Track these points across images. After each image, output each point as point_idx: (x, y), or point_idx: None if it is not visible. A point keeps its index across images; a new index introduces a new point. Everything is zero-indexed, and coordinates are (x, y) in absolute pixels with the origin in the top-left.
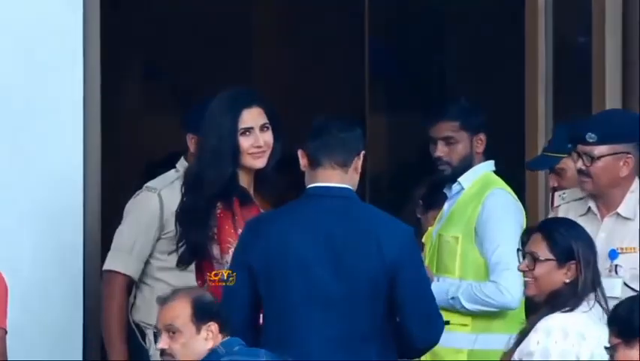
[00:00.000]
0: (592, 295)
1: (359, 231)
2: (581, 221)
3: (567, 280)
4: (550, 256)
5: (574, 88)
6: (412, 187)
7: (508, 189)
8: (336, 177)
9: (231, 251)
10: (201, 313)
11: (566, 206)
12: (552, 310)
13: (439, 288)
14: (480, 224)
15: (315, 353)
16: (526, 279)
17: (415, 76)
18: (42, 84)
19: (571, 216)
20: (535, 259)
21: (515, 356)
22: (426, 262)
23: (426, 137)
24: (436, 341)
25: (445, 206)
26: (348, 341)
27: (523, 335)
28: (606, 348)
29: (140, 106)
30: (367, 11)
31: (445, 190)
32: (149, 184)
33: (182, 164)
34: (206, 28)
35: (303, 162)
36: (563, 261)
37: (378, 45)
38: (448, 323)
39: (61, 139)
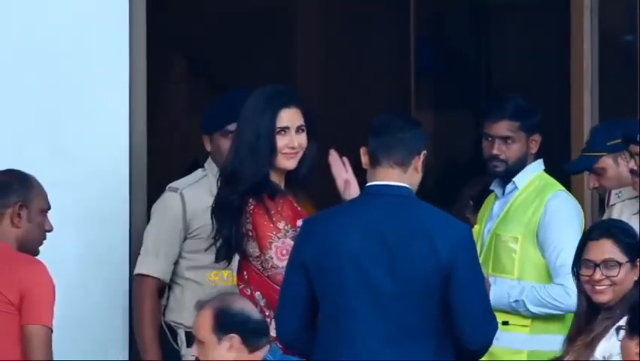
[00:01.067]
0: None
1: (414, 229)
2: (635, 219)
3: (636, 278)
4: (626, 259)
5: (620, 86)
6: (459, 185)
7: (567, 191)
8: (395, 176)
9: (274, 245)
10: (223, 324)
11: (621, 204)
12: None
13: (499, 290)
14: (542, 227)
15: (365, 351)
16: (601, 287)
17: (461, 73)
18: (88, 85)
19: (625, 214)
20: (618, 265)
21: (598, 355)
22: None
23: (473, 134)
24: (489, 342)
25: (496, 205)
26: (401, 339)
27: (598, 335)
28: (618, 327)
29: (186, 105)
30: (413, 7)
31: (494, 189)
32: (172, 184)
33: (209, 163)
34: (251, 26)
35: (364, 160)
36: (634, 261)
37: (424, 41)
38: (507, 323)
39: (107, 139)
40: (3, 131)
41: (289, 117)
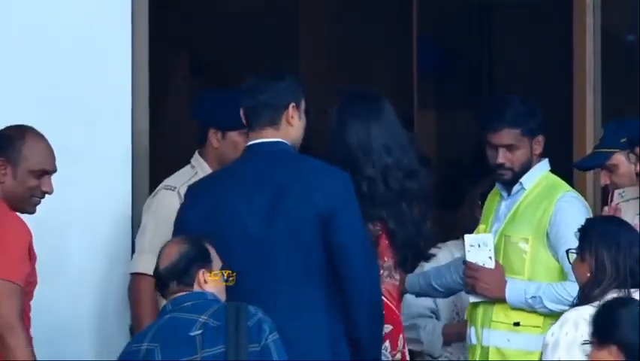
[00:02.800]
0: (613, 292)
1: (292, 181)
2: (638, 219)
3: (588, 274)
4: (578, 251)
5: (622, 86)
6: (461, 185)
7: (576, 191)
8: (268, 134)
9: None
10: None
11: (625, 204)
12: (579, 303)
13: (514, 287)
14: (553, 227)
15: (255, 300)
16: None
17: (463, 73)
18: (90, 84)
19: (629, 214)
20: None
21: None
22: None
23: (475, 134)
24: (371, 288)
25: (503, 206)
26: (287, 291)
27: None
28: (584, 342)
29: (189, 105)
30: (416, 7)
31: (500, 190)
32: (167, 182)
33: (196, 159)
34: (252, 26)
35: (245, 122)
36: (583, 256)
37: (427, 41)
38: (518, 324)
39: (110, 138)
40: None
41: None
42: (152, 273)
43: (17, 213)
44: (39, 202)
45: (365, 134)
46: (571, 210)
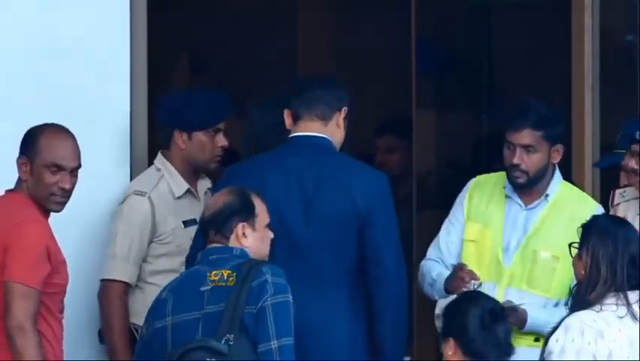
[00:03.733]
0: (611, 295)
1: (331, 177)
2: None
3: (583, 272)
4: (577, 247)
5: (621, 86)
6: (460, 185)
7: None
8: (316, 128)
9: None
10: None
11: (626, 204)
12: (572, 307)
13: (538, 321)
14: None
15: None
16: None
17: (462, 72)
18: (89, 85)
19: (630, 215)
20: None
21: (544, 354)
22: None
23: (475, 134)
24: (401, 290)
25: (523, 216)
26: (317, 286)
27: (551, 333)
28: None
29: None
30: (414, 6)
31: (510, 195)
32: (136, 187)
33: (161, 161)
34: (252, 25)
35: (288, 121)
36: (580, 253)
37: (426, 41)
38: (538, 340)
39: (108, 138)
40: (3, 130)
41: None
42: (123, 279)
43: (40, 215)
44: (62, 200)
45: None
46: None
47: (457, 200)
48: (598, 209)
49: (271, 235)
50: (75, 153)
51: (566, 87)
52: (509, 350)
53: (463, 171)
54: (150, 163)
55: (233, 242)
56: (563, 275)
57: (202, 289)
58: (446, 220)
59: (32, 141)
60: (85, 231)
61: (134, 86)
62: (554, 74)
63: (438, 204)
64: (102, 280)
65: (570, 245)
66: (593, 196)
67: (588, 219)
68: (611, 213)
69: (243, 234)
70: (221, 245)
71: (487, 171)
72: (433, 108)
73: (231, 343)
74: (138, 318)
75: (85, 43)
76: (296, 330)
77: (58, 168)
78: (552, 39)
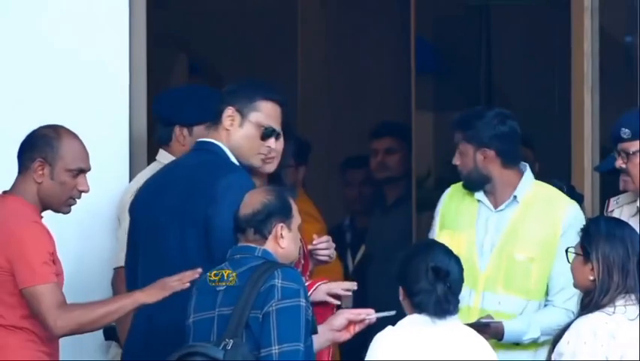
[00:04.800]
0: (621, 298)
1: (188, 179)
2: (632, 222)
3: (591, 278)
4: (579, 251)
5: (621, 87)
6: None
7: (573, 201)
8: (208, 134)
9: None
10: None
11: (619, 210)
12: (583, 311)
13: (513, 329)
14: (565, 244)
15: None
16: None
17: (461, 73)
18: (88, 84)
19: (624, 218)
20: (570, 253)
21: (552, 356)
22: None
23: None
24: None
25: (494, 218)
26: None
27: (559, 336)
28: None
29: None
30: (414, 7)
31: (482, 200)
32: (142, 180)
33: (164, 156)
34: (252, 26)
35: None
36: (587, 258)
37: (425, 42)
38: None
39: (107, 138)
40: (1, 128)
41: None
42: None
43: (37, 219)
44: (75, 202)
45: None
46: (580, 224)
47: (435, 211)
48: (570, 207)
49: (299, 235)
50: (88, 155)
51: (565, 88)
52: (447, 307)
53: None
54: (150, 161)
55: (270, 242)
56: (539, 277)
57: (217, 288)
58: (434, 223)
59: (49, 144)
60: (84, 227)
61: (133, 85)
62: (553, 75)
63: (436, 203)
64: (117, 268)
65: (567, 251)
66: (592, 199)
67: (566, 218)
68: None
69: (281, 235)
70: (246, 245)
71: None
72: (432, 109)
73: (228, 348)
74: None
75: (84, 43)
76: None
77: (80, 171)
78: (551, 40)
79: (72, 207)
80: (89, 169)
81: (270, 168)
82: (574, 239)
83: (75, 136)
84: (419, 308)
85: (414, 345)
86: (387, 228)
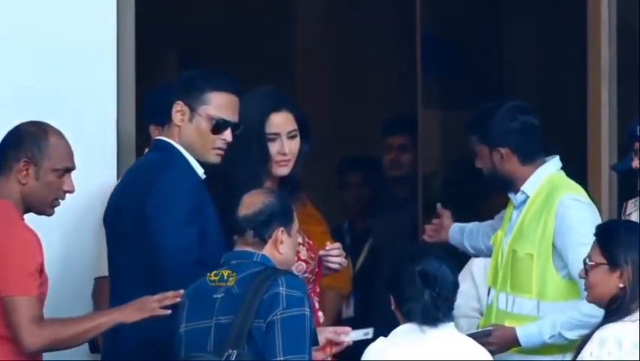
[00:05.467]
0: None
1: (139, 179)
2: None
3: (621, 285)
4: (602, 260)
5: (638, 78)
6: (468, 189)
7: (579, 190)
8: (164, 133)
9: None
10: None
11: (637, 213)
12: (608, 319)
13: (527, 333)
14: (558, 239)
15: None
16: (584, 286)
17: (470, 70)
18: (74, 82)
19: None
20: (588, 265)
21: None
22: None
23: None
24: None
25: (514, 215)
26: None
27: (581, 345)
28: None
29: None
30: (419, 2)
31: (510, 196)
32: None
33: None
34: (248, 20)
35: None
36: (615, 265)
37: (431, 37)
38: None
39: (94, 138)
40: None
41: (280, 123)
42: None
43: (26, 224)
44: (59, 204)
45: None
46: (572, 216)
47: None
48: (565, 198)
49: (299, 240)
50: (73, 153)
51: (582, 81)
52: (436, 315)
53: (470, 174)
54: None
55: (269, 247)
56: (541, 273)
57: (215, 296)
58: None
59: (36, 143)
60: (69, 231)
61: (121, 82)
62: (569, 68)
63: (443, 204)
64: (98, 278)
65: (585, 263)
66: (610, 200)
67: (560, 207)
68: None
69: (281, 240)
70: (244, 249)
71: None
72: (440, 107)
73: (232, 359)
74: None
75: (71, 39)
76: None
77: (66, 170)
78: (566, 34)
79: (57, 209)
80: (75, 168)
81: (284, 170)
82: (574, 229)
83: (60, 134)
84: (408, 317)
85: (404, 356)
86: (394, 227)
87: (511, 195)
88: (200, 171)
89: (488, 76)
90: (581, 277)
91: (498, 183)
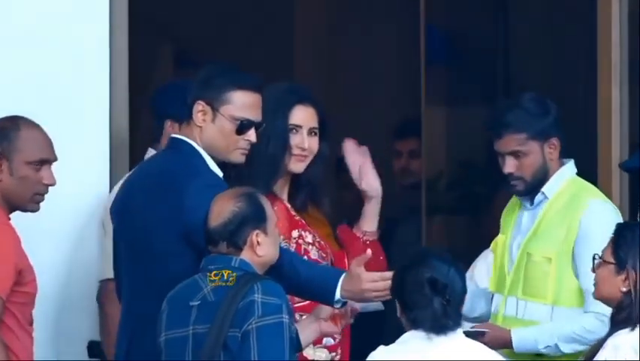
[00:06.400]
0: None
1: (161, 181)
2: None
3: (625, 289)
4: (611, 260)
5: None
6: (473, 186)
7: (604, 197)
8: (182, 132)
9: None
10: None
11: None
12: (615, 326)
13: (522, 337)
14: (578, 244)
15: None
16: (593, 282)
17: (476, 65)
18: (63, 77)
19: None
20: (598, 260)
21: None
22: (491, 274)
23: (489, 133)
24: None
25: (525, 217)
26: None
27: (593, 352)
28: None
29: None
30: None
31: (523, 200)
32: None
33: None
34: (246, 14)
35: None
36: (621, 267)
37: (436, 30)
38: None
39: (86, 135)
40: None
41: (303, 116)
42: None
43: (4, 220)
44: (42, 199)
45: None
46: (596, 223)
47: None
48: (592, 202)
49: (279, 234)
50: (52, 144)
51: (591, 79)
52: (446, 323)
53: (477, 173)
54: (132, 158)
55: (247, 252)
56: (557, 278)
57: (191, 303)
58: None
59: (6, 137)
60: (60, 234)
61: (114, 79)
62: (578, 65)
63: (449, 204)
64: (103, 281)
65: (594, 258)
66: (621, 201)
67: (585, 214)
68: None
69: (258, 242)
70: (220, 254)
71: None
72: (444, 105)
73: None
74: None
75: (63, 33)
76: None
77: (42, 163)
78: (576, 27)
79: (52, 213)
80: (54, 159)
81: (299, 166)
82: (594, 238)
83: (35, 125)
84: (415, 324)
85: None
86: (401, 235)
87: (522, 198)
88: (218, 173)
89: (496, 70)
90: (594, 271)
91: (537, 185)
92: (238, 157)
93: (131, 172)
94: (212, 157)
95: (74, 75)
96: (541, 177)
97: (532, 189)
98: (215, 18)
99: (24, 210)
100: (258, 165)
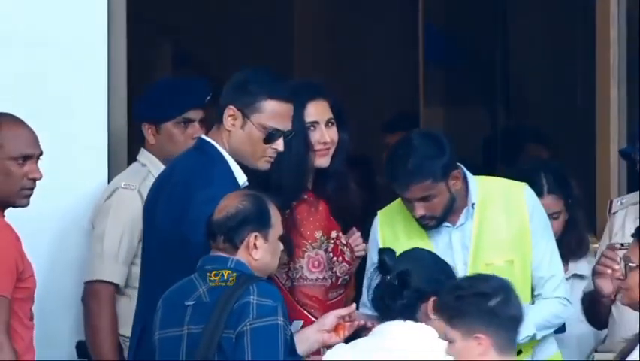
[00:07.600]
0: None
1: (177, 180)
2: (637, 224)
3: None
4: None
5: None
6: None
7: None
8: (211, 134)
9: (307, 255)
10: None
11: (624, 211)
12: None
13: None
14: (534, 230)
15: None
16: (621, 287)
17: (474, 64)
18: (61, 76)
19: (629, 221)
20: (629, 266)
21: None
22: None
23: (487, 132)
24: None
25: (457, 234)
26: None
27: (624, 353)
28: None
29: None
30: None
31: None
32: (124, 182)
33: (145, 156)
34: (242, 10)
35: None
36: None
37: (434, 30)
38: (520, 352)
39: (84, 136)
40: None
41: (317, 110)
42: (112, 280)
43: (3, 218)
44: (31, 193)
45: None
46: (540, 209)
47: (370, 242)
48: (527, 189)
49: (281, 247)
50: (37, 139)
51: (590, 77)
52: (390, 304)
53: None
54: (130, 158)
55: (242, 252)
56: (524, 277)
57: (186, 303)
58: (367, 264)
59: None
60: (59, 232)
61: (112, 77)
62: (576, 66)
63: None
64: (88, 282)
65: (626, 264)
66: (619, 188)
67: (527, 202)
68: (609, 221)
69: (255, 245)
70: (218, 255)
71: (501, 174)
72: (442, 104)
73: None
74: (123, 329)
75: (62, 33)
76: None
77: (25, 158)
78: (574, 27)
79: (48, 211)
80: (39, 153)
81: (324, 161)
82: (539, 220)
83: (19, 122)
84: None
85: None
86: None
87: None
88: (242, 178)
89: (495, 70)
90: (618, 278)
91: (447, 215)
92: (263, 165)
93: (161, 171)
94: (238, 162)
95: (73, 74)
96: (450, 206)
97: (443, 220)
98: (215, 18)
99: (13, 205)
100: (286, 168)
